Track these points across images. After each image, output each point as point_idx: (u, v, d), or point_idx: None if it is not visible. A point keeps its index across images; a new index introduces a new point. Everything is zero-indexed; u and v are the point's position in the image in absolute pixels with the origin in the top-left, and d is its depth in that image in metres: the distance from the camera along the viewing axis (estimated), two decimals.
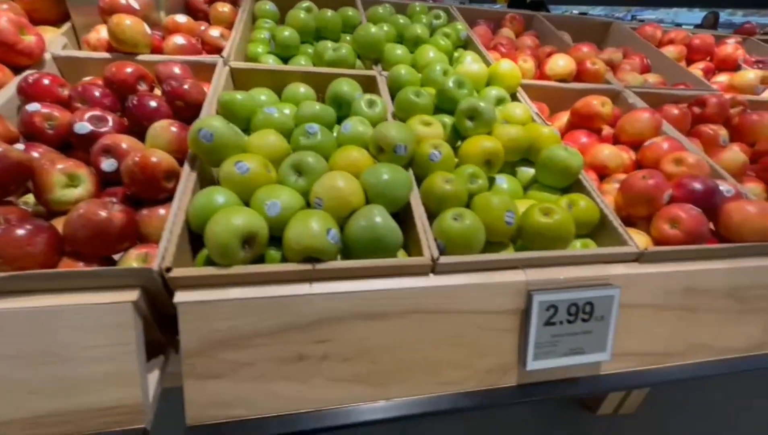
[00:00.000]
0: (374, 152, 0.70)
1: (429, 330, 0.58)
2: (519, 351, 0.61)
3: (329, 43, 1.00)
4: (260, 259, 0.57)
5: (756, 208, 0.69)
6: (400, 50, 1.00)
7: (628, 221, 0.78)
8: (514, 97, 0.98)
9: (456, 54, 1.15)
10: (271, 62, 1.01)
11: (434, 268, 0.58)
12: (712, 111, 1.03)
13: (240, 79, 0.92)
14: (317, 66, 0.98)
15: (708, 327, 0.70)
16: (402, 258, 0.56)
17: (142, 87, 0.78)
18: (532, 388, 0.62)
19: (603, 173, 0.88)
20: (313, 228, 0.52)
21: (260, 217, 0.55)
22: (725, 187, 0.80)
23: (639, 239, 0.70)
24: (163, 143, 0.66)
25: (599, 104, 0.94)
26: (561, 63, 1.08)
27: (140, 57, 0.87)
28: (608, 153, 0.87)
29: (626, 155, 0.91)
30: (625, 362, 0.66)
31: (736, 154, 0.88)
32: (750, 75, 1.25)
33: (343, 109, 0.84)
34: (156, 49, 0.92)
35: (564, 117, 1.02)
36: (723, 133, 1.00)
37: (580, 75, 1.13)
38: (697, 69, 1.43)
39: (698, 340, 0.69)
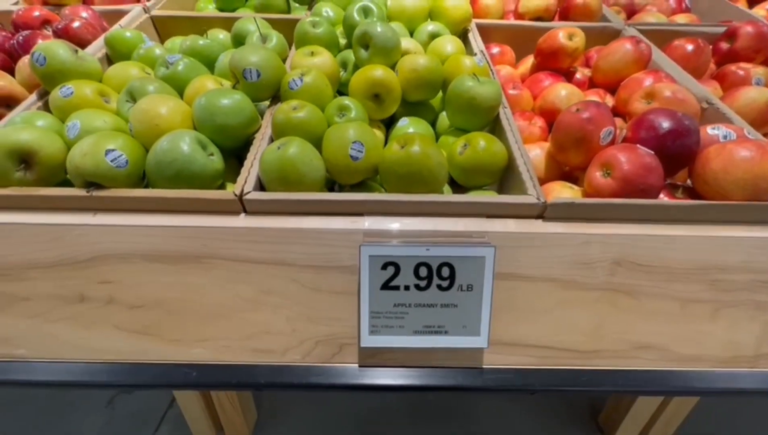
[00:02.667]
0: (232, 82, 0.60)
1: (243, 284, 0.47)
2: (358, 322, 0.47)
3: None
4: None
5: (749, 152, 0.46)
6: None
7: (570, 176, 0.59)
8: (462, 38, 0.81)
9: None
10: (218, 13, 0.97)
11: (244, 206, 0.47)
12: (744, 44, 0.75)
13: (164, 29, 0.88)
14: None
15: (658, 322, 0.48)
16: (200, 190, 0.46)
17: (48, 31, 0.78)
18: (374, 372, 0.48)
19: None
20: (82, 147, 0.45)
21: (50, 136, 0.48)
22: (722, 130, 0.56)
23: (565, 193, 0.52)
24: (25, 76, 0.64)
25: (565, 36, 0.73)
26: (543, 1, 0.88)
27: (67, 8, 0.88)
28: (564, 93, 0.67)
29: (596, 99, 0.70)
30: (517, 356, 0.48)
31: (756, 91, 0.62)
32: None
33: None
34: (89, 2, 0.92)
35: (530, 60, 0.83)
36: (758, 72, 0.72)
37: (566, 12, 0.90)
38: (762, 8, 1.09)
39: (638, 336, 0.49)
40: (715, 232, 0.47)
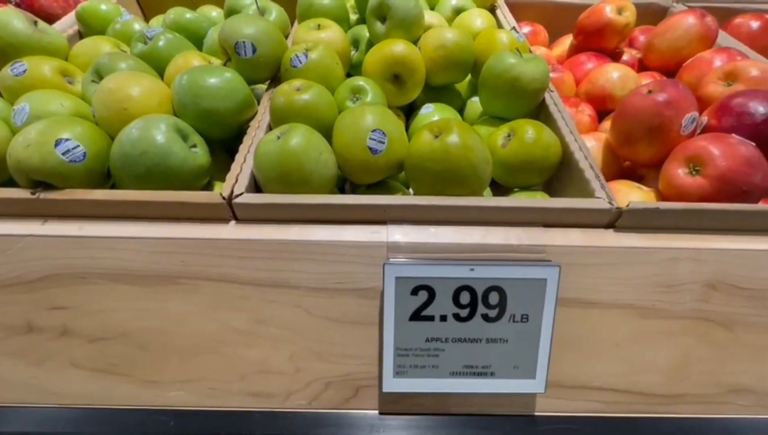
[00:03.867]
0: (223, 59, 0.50)
1: (233, 311, 0.37)
2: (379, 360, 0.37)
3: None
4: None
5: None
6: None
7: (635, 174, 0.49)
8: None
9: None
10: None
11: (234, 212, 0.37)
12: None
13: (150, 6, 0.78)
14: None
15: (758, 360, 0.38)
16: (178, 191, 0.36)
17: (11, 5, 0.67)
18: (398, 421, 0.38)
19: (608, 108, 0.57)
20: (27, 136, 0.35)
21: None
22: None
23: (634, 195, 0.42)
24: None
25: (613, 11, 0.63)
26: None
27: None
28: (617, 75, 0.57)
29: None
30: (581, 402, 0.38)
31: None
32: None
33: None
34: None
35: (567, 41, 0.72)
36: None
37: None
38: None
39: (732, 377, 0.38)
40: None
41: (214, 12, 0.73)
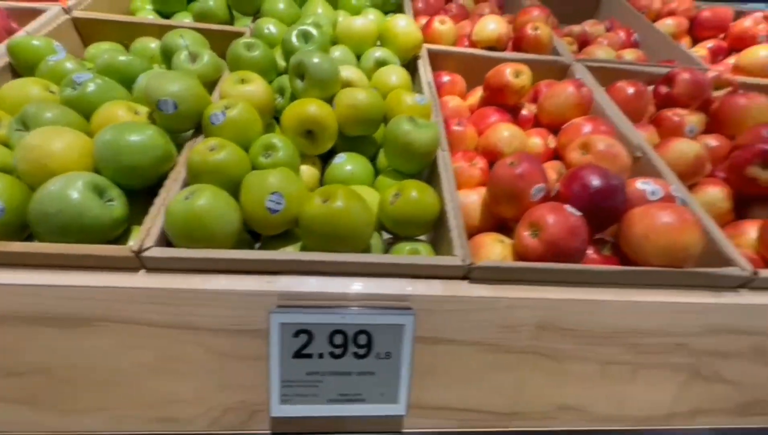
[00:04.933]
0: (150, 108, 0.55)
1: (142, 350, 0.43)
2: (269, 391, 0.44)
3: None
4: None
5: (669, 217, 0.47)
6: (282, 4, 0.83)
7: (507, 224, 0.58)
8: (412, 64, 0.79)
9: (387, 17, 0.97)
10: (150, 18, 0.89)
11: (143, 263, 0.43)
12: (681, 91, 0.77)
13: (89, 34, 0.80)
14: None
15: (579, 384, 0.48)
16: (90, 245, 0.41)
17: None
18: None
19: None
20: None
21: None
22: (651, 186, 0.57)
23: (495, 249, 0.51)
24: None
25: (511, 74, 0.72)
26: (491, 26, 0.87)
27: None
28: (507, 135, 0.66)
29: (539, 140, 0.70)
30: (439, 419, 0.47)
31: (687, 145, 0.64)
32: (761, 52, 0.96)
33: None
34: None
35: (479, 92, 0.81)
36: (692, 119, 0.74)
37: (519, 43, 0.90)
38: (703, 48, 1.14)
39: (560, 398, 0.48)
40: (637, 297, 0.47)
41: (152, 44, 0.77)
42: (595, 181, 0.50)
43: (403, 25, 0.77)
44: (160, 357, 0.43)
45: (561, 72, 0.88)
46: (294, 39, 0.65)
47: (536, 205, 0.50)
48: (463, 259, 0.45)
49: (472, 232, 0.57)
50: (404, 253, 0.51)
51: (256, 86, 0.59)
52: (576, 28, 1.14)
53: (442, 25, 0.86)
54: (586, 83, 0.81)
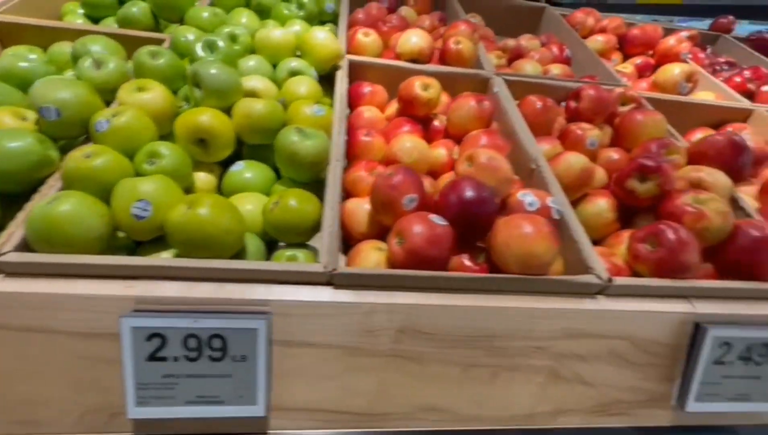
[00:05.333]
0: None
1: (2, 351, 0.43)
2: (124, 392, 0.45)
3: (133, 3, 0.87)
4: None
5: (524, 227, 0.50)
6: (207, 13, 0.85)
7: None
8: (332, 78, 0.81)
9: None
10: (79, 23, 0.90)
11: (1, 268, 0.43)
12: (586, 106, 0.82)
13: (8, 37, 0.80)
14: None
15: (441, 385, 0.51)
16: None
17: None
18: None
19: None
20: None
21: None
22: (529, 197, 0.60)
23: (372, 256, 0.53)
24: None
25: (420, 87, 0.75)
26: (413, 40, 0.89)
27: None
28: (409, 145, 0.69)
29: (443, 151, 0.72)
30: (302, 421, 0.49)
31: (575, 158, 0.67)
32: (675, 70, 1.01)
33: None
34: None
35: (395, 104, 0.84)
36: (593, 133, 0.78)
37: (443, 56, 0.93)
38: (631, 64, 1.20)
39: (422, 399, 0.51)
40: (495, 303, 0.50)
41: (69, 48, 0.77)
42: (464, 193, 0.53)
43: (322, 37, 0.79)
44: (19, 360, 0.44)
45: (483, 85, 0.91)
46: (199, 49, 0.67)
47: (408, 214, 0.52)
48: (325, 266, 0.47)
49: (361, 239, 0.59)
50: (283, 259, 0.53)
51: (154, 94, 0.61)
52: (510, 42, 1.18)
53: (366, 37, 0.89)
54: (501, 96, 0.85)
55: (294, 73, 0.75)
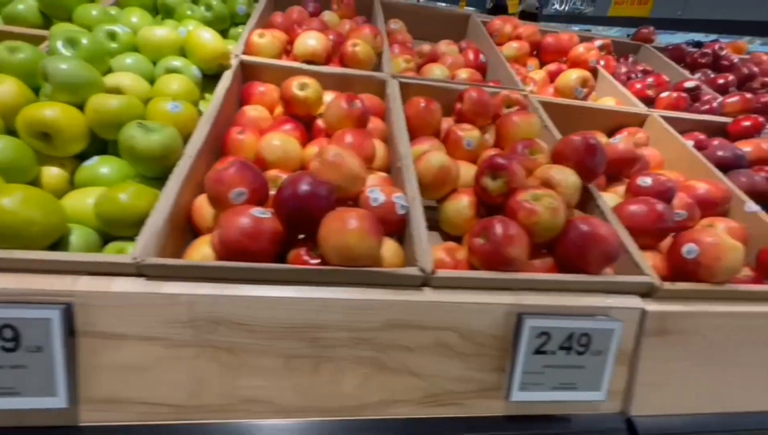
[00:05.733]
0: None
1: None
2: None
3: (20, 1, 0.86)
4: None
5: (347, 220, 0.51)
6: (96, 11, 0.85)
7: None
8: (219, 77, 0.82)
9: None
10: None
11: None
12: (467, 108, 0.84)
13: None
14: None
15: (262, 377, 0.51)
16: None
17: None
18: None
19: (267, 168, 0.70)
20: None
21: None
22: (375, 193, 0.61)
23: (204, 250, 0.53)
24: None
25: (297, 86, 0.77)
26: (310, 42, 0.91)
27: None
28: (276, 143, 0.70)
29: (316, 150, 0.73)
30: (113, 413, 0.49)
31: (435, 157, 0.69)
32: (572, 76, 1.05)
33: None
34: None
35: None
36: (470, 135, 0.80)
37: (342, 59, 0.95)
38: (544, 70, 1.24)
39: (244, 391, 0.51)
40: (314, 294, 0.51)
41: None
42: (293, 188, 0.54)
43: (206, 37, 0.80)
44: None
45: (380, 87, 0.93)
46: (59, 45, 0.67)
47: (237, 207, 0.53)
48: (134, 257, 0.47)
49: (207, 233, 0.60)
50: (111, 252, 0.53)
51: (5, 87, 0.61)
52: (426, 47, 1.21)
53: (261, 38, 0.90)
54: (390, 98, 0.87)
55: (171, 71, 0.76)
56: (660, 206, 0.69)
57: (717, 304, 0.61)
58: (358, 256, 0.51)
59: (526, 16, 4.17)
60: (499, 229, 0.56)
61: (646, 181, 0.75)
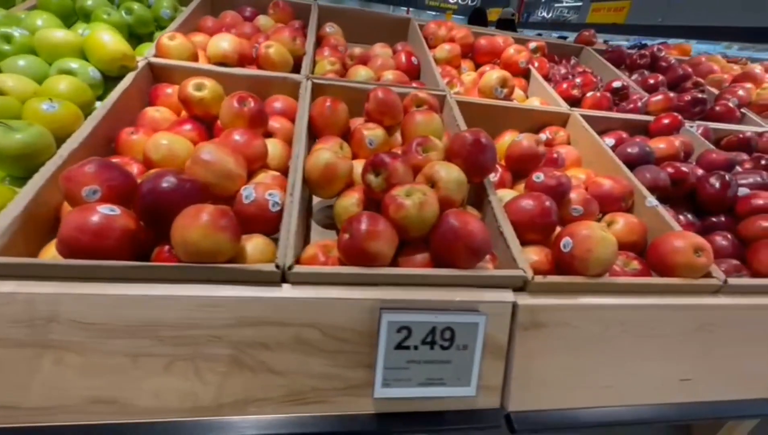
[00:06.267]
0: None
1: None
2: None
3: None
4: None
5: (189, 217, 0.50)
6: None
7: None
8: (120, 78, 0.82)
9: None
10: None
11: None
12: (371, 107, 0.84)
13: None
14: None
15: (109, 377, 0.50)
16: None
17: None
18: None
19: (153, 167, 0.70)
20: None
21: None
22: (248, 191, 0.61)
23: (52, 250, 0.52)
24: None
25: (193, 87, 0.77)
26: (222, 44, 0.91)
27: None
28: (164, 143, 0.69)
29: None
30: None
31: (321, 155, 0.68)
32: (493, 76, 1.06)
33: None
34: None
35: None
36: (373, 134, 0.81)
37: (258, 60, 0.96)
38: (477, 72, 1.25)
39: (94, 391, 0.50)
40: (156, 292, 0.50)
41: None
42: (145, 186, 0.54)
43: (106, 39, 0.80)
44: None
45: (295, 87, 0.94)
46: None
47: (84, 205, 0.52)
48: None
49: None
50: None
51: None
52: (357, 50, 1.22)
53: (171, 41, 0.90)
54: (302, 98, 0.87)
55: (66, 72, 0.76)
56: (547, 202, 0.69)
57: (591, 297, 0.62)
58: (205, 252, 0.50)
59: (504, 23, 4.24)
60: (361, 224, 0.56)
61: (539, 176, 0.76)
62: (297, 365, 0.55)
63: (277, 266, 0.53)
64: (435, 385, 0.57)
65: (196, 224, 0.50)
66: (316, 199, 0.84)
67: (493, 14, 5.71)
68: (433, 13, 10.47)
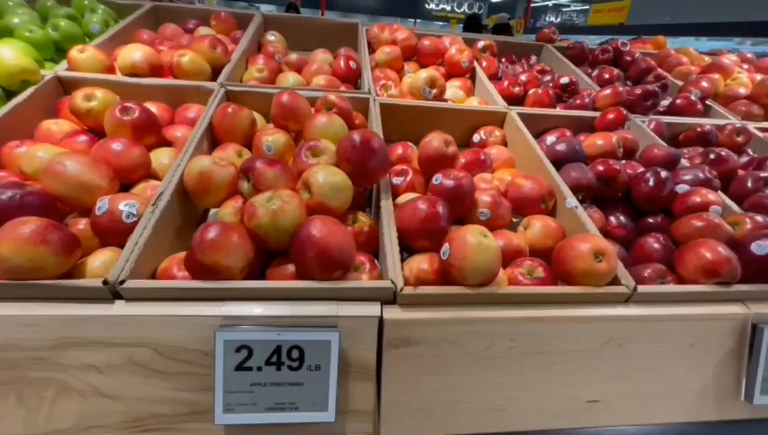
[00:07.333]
0: None
1: None
2: None
3: None
4: None
5: (12, 229, 0.47)
6: None
7: None
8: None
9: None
10: None
11: None
12: (275, 112, 0.81)
13: None
14: None
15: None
16: None
17: None
18: None
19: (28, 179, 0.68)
20: None
21: None
22: (104, 202, 0.58)
23: None
24: None
25: (81, 98, 0.75)
26: (134, 55, 0.90)
27: None
28: (40, 154, 0.68)
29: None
30: None
31: (196, 163, 0.65)
32: (421, 76, 1.01)
33: None
34: None
35: None
36: (271, 138, 0.76)
37: (171, 69, 0.94)
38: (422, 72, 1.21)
39: None
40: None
41: None
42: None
43: (6, 54, 0.80)
44: None
45: (206, 97, 0.91)
46: None
47: None
48: None
49: None
50: None
51: None
52: (293, 57, 1.19)
53: (81, 53, 0.90)
54: (211, 107, 0.84)
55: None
56: (437, 206, 0.64)
57: (471, 310, 0.55)
58: (16, 268, 0.47)
59: (500, 27, 4.19)
60: (202, 235, 0.52)
61: (437, 178, 0.70)
62: (133, 389, 0.51)
63: (105, 282, 0.49)
64: (286, 410, 0.51)
65: (10, 238, 0.47)
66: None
67: (494, 20, 5.67)
68: (441, 23, 10.53)
